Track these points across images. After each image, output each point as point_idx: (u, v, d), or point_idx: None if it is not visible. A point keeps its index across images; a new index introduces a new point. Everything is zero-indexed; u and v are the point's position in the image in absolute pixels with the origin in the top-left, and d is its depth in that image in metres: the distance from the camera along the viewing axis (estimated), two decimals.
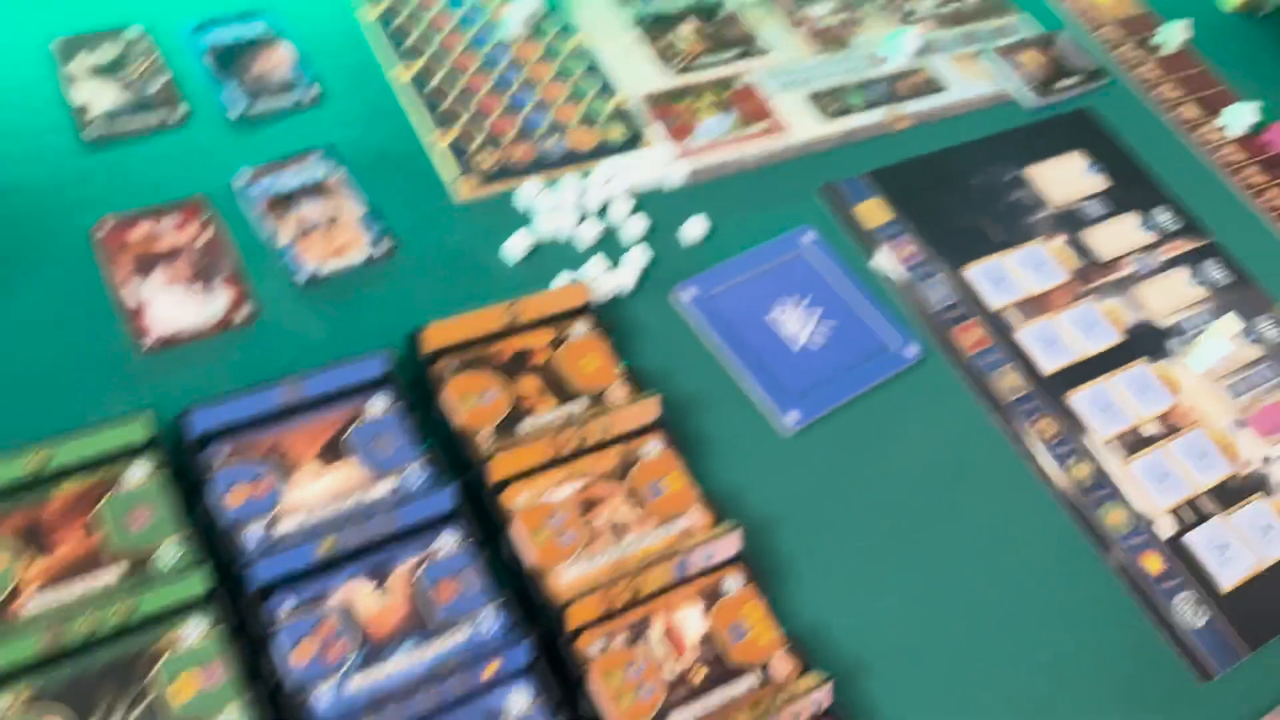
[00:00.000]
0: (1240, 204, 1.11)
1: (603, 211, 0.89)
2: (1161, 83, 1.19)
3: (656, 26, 1.04)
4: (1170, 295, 1.00)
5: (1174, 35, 1.22)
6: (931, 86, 1.09)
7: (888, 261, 0.94)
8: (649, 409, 0.76)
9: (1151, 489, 0.86)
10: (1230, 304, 1.01)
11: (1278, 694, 0.78)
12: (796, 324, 0.88)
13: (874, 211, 0.97)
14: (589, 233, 0.87)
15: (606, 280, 0.84)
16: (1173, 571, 0.82)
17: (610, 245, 0.88)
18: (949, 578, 0.78)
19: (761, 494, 0.78)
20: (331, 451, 0.69)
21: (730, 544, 0.72)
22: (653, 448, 0.75)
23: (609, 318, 0.82)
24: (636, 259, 0.86)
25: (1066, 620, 0.78)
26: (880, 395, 0.86)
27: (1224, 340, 0.94)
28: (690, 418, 0.80)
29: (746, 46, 1.06)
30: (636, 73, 1.00)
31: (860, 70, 1.08)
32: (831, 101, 1.04)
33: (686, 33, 1.05)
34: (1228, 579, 0.83)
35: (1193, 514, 0.86)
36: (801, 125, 1.01)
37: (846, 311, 0.90)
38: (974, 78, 1.12)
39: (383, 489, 0.68)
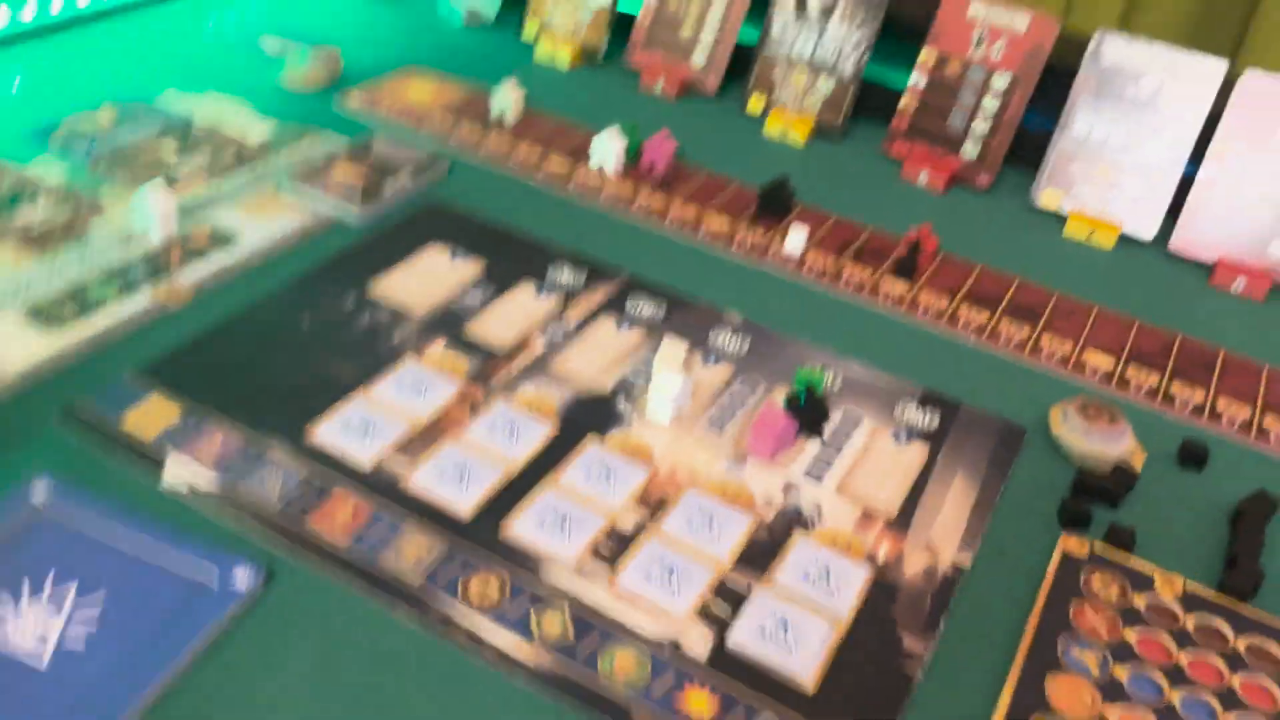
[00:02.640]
0: (647, 231, 0.92)
1: None
2: (515, 149, 1.00)
3: None
4: (600, 352, 0.76)
5: (507, 100, 1.04)
6: (217, 242, 0.81)
7: (184, 471, 0.62)
8: None
9: (659, 598, 0.58)
10: (668, 333, 0.79)
11: None
12: (35, 626, 0.53)
13: (154, 414, 0.65)
14: None
15: None
16: (730, 701, 0.53)
17: None
18: None
19: None
20: None
21: None
22: None
23: None
24: None
25: None
26: (216, 657, 0.52)
27: (673, 374, 0.70)
28: None
29: None
30: None
31: (107, 256, 0.78)
32: (64, 306, 0.73)
33: None
34: (806, 669, 0.55)
35: (726, 604, 0.58)
36: (17, 349, 0.68)
37: (124, 568, 0.56)
38: (275, 216, 0.86)
39: None
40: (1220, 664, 0.58)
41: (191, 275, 0.78)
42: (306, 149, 0.95)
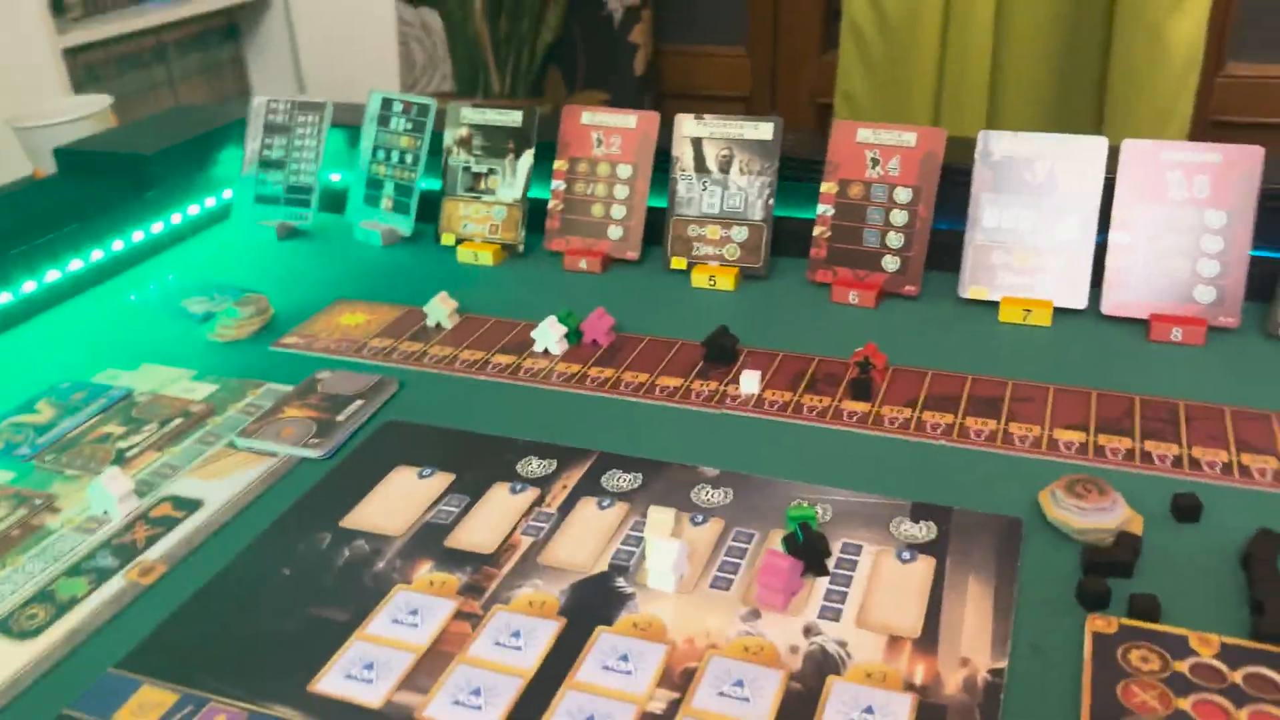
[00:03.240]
0: (606, 405, 0.92)
1: None
2: (459, 354, 1.01)
3: None
4: (588, 535, 0.75)
5: (440, 311, 1.05)
6: (180, 511, 0.80)
7: None
8: None
9: None
10: (649, 501, 0.78)
11: None
12: None
13: (147, 707, 0.62)
14: None
15: None
16: None
17: None
18: None
19: None
20: None
21: None
22: None
23: None
24: None
25: None
26: None
27: (667, 542, 0.69)
28: None
29: None
30: None
31: (70, 551, 0.76)
32: (35, 613, 0.70)
33: None
34: None
35: None
36: None
37: None
38: (234, 472, 0.85)
39: None
40: None
41: (160, 550, 0.76)
42: (252, 400, 0.95)
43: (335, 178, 1.40)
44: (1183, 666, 0.61)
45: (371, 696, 0.62)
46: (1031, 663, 0.62)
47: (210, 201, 1.36)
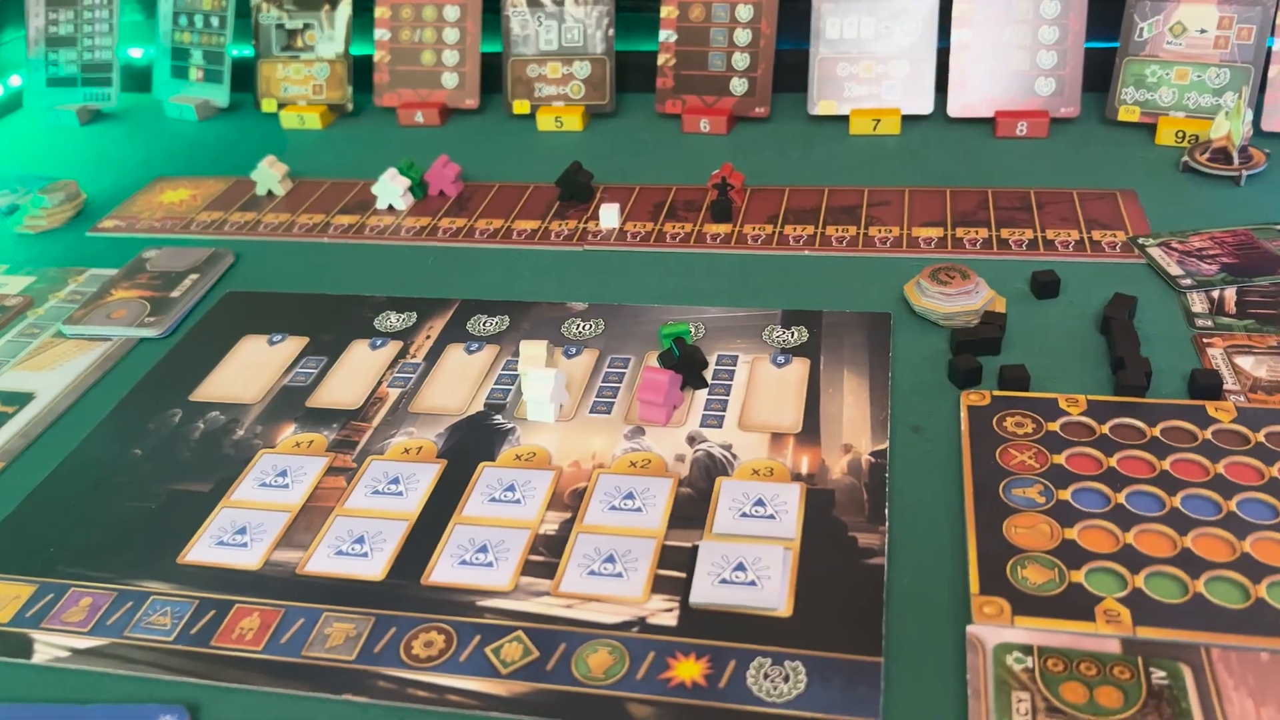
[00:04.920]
0: (461, 254, 0.88)
1: None
2: (295, 219, 0.95)
3: None
4: (459, 380, 0.72)
5: (270, 178, 0.99)
6: (10, 406, 0.73)
7: (55, 649, 0.55)
8: None
9: (609, 589, 0.55)
10: (519, 340, 0.76)
11: (954, 678, 0.49)
12: None
13: (3, 598, 0.58)
14: None
15: None
16: (718, 654, 0.51)
17: None
18: None
19: None
20: None
21: None
22: None
23: None
24: None
25: None
26: None
27: (542, 372, 0.67)
28: None
29: None
30: None
31: None
32: None
33: None
34: (777, 597, 0.53)
35: (676, 568, 0.56)
36: None
37: None
38: (66, 361, 0.78)
39: None
40: (1147, 455, 0.60)
41: None
42: (75, 288, 0.87)
43: (136, 53, 1.28)
44: (1055, 426, 0.62)
45: (248, 558, 0.59)
46: (912, 442, 0.63)
47: None
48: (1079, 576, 0.53)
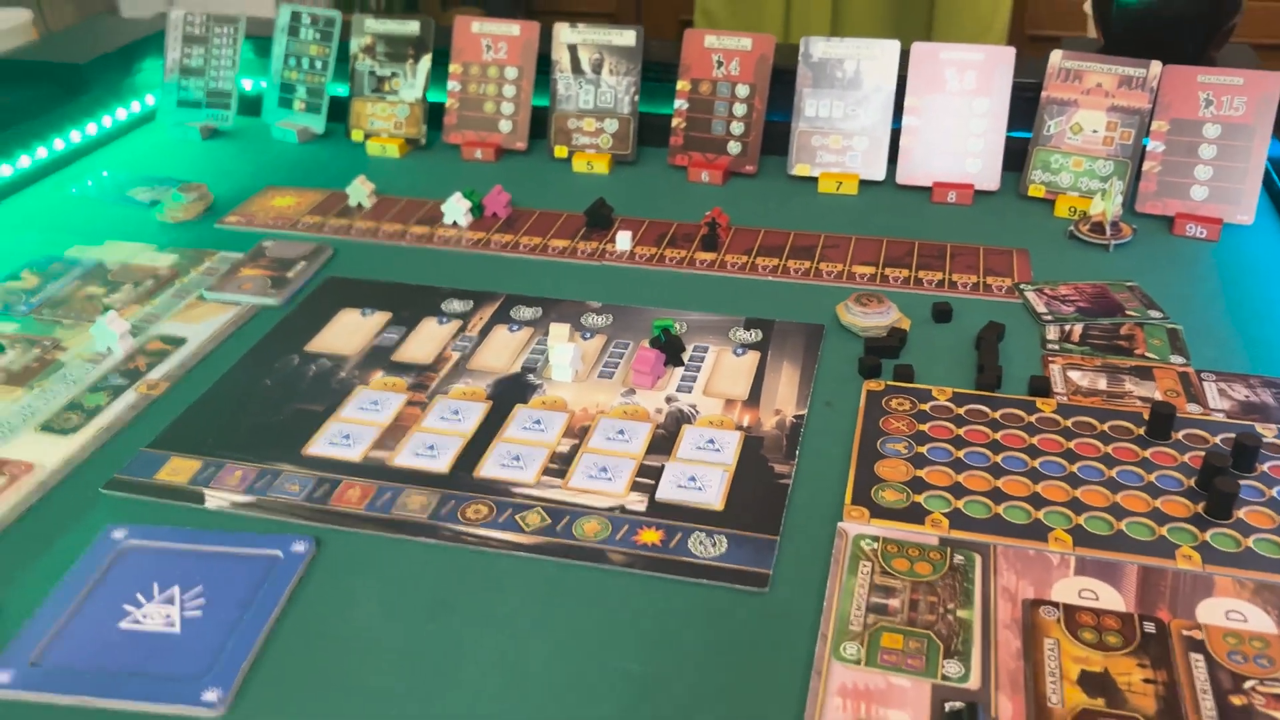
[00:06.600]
0: (508, 261, 1.14)
1: None
2: (380, 227, 1.21)
3: None
4: (503, 349, 0.98)
5: (361, 192, 1.25)
6: (169, 345, 0.99)
7: (220, 500, 0.80)
8: None
9: (603, 486, 0.80)
10: (547, 326, 1.01)
11: (824, 552, 0.74)
12: (160, 616, 0.70)
13: (180, 468, 0.83)
14: None
15: None
16: (670, 529, 0.76)
17: None
18: (520, 687, 0.64)
19: None
20: None
21: None
22: None
23: None
24: None
25: (635, 636, 0.68)
26: (298, 608, 0.71)
27: (565, 345, 0.93)
28: None
29: None
30: None
31: (85, 376, 0.95)
32: (69, 417, 0.89)
33: None
34: (714, 498, 0.78)
35: (649, 478, 0.81)
36: (47, 451, 0.85)
37: (209, 565, 0.74)
38: (208, 318, 1.04)
39: None
40: (987, 429, 0.85)
41: (160, 372, 0.96)
42: (210, 265, 1.14)
43: (248, 84, 1.56)
44: (925, 407, 0.88)
45: (353, 454, 0.85)
46: (824, 412, 0.89)
47: (136, 106, 1.51)
48: (919, 499, 0.78)
